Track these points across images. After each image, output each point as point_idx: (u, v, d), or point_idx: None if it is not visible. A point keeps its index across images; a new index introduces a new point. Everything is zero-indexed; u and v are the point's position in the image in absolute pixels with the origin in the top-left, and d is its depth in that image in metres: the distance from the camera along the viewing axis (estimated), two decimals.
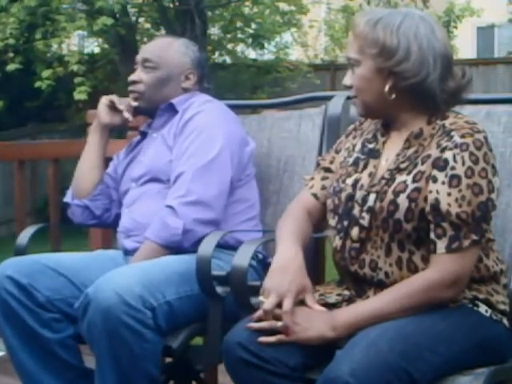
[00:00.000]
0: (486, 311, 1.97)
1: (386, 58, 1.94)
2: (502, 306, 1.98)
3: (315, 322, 1.90)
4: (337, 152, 2.20)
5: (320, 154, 2.57)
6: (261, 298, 1.95)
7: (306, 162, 2.62)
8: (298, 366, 1.90)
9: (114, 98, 2.66)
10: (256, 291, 2.01)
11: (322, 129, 2.62)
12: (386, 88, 1.96)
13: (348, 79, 2.03)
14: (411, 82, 1.94)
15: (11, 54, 8.62)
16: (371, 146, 2.07)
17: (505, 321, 1.98)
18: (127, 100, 2.65)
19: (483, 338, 1.93)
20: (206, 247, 2.20)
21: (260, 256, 2.47)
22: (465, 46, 16.07)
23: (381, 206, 1.95)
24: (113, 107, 2.66)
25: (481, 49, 18.39)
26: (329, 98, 2.65)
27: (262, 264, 2.45)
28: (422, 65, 1.94)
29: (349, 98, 2.58)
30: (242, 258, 2.10)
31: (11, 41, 8.41)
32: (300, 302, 1.94)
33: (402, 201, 1.92)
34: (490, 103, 2.34)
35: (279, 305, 1.92)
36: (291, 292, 1.92)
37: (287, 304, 1.91)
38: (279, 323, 1.90)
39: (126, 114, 2.64)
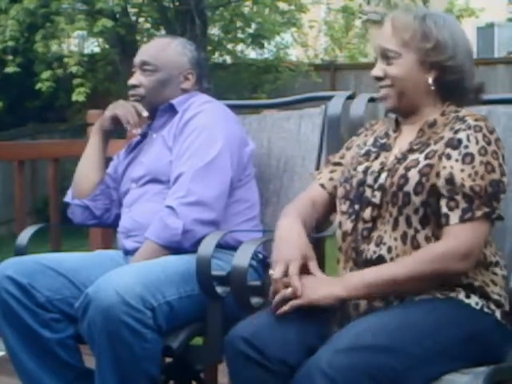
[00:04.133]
0: (477, 304, 1.97)
1: (439, 53, 2.03)
2: (496, 297, 1.99)
3: (325, 282, 1.96)
4: (348, 149, 2.25)
5: (320, 154, 2.57)
6: (270, 271, 1.99)
7: (306, 162, 2.62)
8: (297, 365, 1.89)
9: (121, 115, 2.61)
10: (256, 291, 2.02)
11: (322, 129, 2.63)
12: (430, 80, 2.04)
13: (379, 70, 2.08)
14: (455, 78, 2.04)
15: (10, 57, 8.61)
16: (383, 141, 2.13)
17: (497, 313, 1.98)
18: (134, 112, 2.60)
19: (472, 331, 1.93)
20: (206, 247, 2.20)
21: (260, 256, 2.48)
22: None
23: (391, 182, 2.00)
24: (117, 120, 2.64)
25: (481, 49, 18.38)
26: (329, 98, 2.65)
27: (262, 264, 2.45)
28: (465, 63, 2.05)
29: (349, 97, 2.60)
30: (242, 258, 2.11)
31: (10, 43, 8.40)
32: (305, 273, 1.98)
33: (413, 175, 1.97)
34: (490, 103, 2.34)
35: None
36: (295, 257, 1.99)
37: (292, 268, 1.97)
38: (289, 289, 1.93)
39: (135, 131, 2.64)
